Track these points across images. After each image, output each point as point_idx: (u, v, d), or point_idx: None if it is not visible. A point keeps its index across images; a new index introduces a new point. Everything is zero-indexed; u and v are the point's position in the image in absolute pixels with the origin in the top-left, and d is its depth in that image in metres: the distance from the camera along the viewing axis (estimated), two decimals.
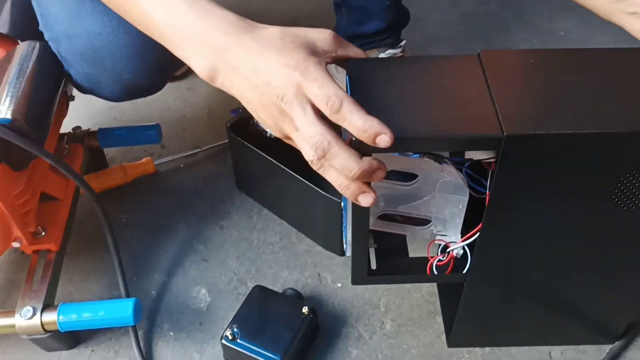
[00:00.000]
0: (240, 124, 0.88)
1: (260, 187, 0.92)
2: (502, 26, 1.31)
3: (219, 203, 0.94)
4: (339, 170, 0.49)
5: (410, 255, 0.67)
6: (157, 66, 0.76)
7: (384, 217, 0.63)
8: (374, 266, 0.65)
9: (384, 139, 0.47)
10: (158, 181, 0.98)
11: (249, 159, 0.87)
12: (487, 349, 0.75)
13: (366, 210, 0.56)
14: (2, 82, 0.68)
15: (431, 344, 0.77)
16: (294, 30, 0.51)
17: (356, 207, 0.56)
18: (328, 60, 0.52)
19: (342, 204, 0.67)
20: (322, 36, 0.52)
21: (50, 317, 0.70)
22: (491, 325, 0.74)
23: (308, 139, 0.48)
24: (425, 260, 0.64)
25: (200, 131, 1.06)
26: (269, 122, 0.52)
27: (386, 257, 0.67)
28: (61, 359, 0.76)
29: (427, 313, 0.80)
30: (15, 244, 0.72)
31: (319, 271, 0.85)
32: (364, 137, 0.47)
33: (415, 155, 0.58)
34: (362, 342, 0.77)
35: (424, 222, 0.63)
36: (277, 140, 0.87)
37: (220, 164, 1.00)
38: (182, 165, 1.00)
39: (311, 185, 0.79)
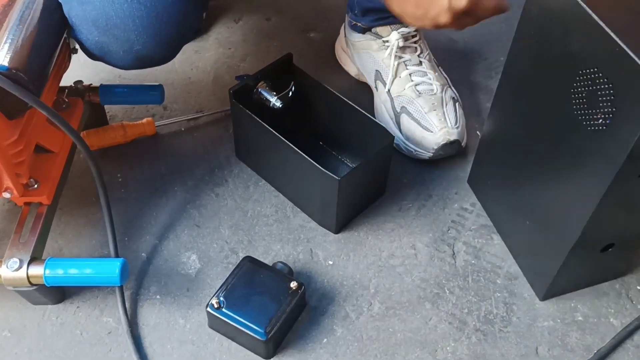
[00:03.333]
0: (244, 92, 0.86)
1: (259, 158, 0.90)
2: None
3: (217, 170, 0.93)
4: None
5: None
6: (169, 39, 0.75)
7: None
8: None
9: None
10: (158, 143, 0.96)
11: (250, 128, 0.85)
12: (474, 339, 0.75)
13: None
14: (2, 28, 0.67)
15: (417, 329, 0.76)
16: None
17: None
18: None
19: None
20: None
21: (37, 270, 0.69)
22: None
23: None
24: None
25: (204, 96, 1.04)
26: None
27: None
28: (46, 313, 0.76)
29: (416, 298, 0.79)
30: (6, 195, 0.71)
31: (312, 247, 0.84)
32: None
33: None
34: (349, 322, 0.76)
35: None
36: (279, 111, 0.87)
37: (222, 130, 0.98)
38: (183, 129, 0.99)
39: (310, 160, 0.77)
